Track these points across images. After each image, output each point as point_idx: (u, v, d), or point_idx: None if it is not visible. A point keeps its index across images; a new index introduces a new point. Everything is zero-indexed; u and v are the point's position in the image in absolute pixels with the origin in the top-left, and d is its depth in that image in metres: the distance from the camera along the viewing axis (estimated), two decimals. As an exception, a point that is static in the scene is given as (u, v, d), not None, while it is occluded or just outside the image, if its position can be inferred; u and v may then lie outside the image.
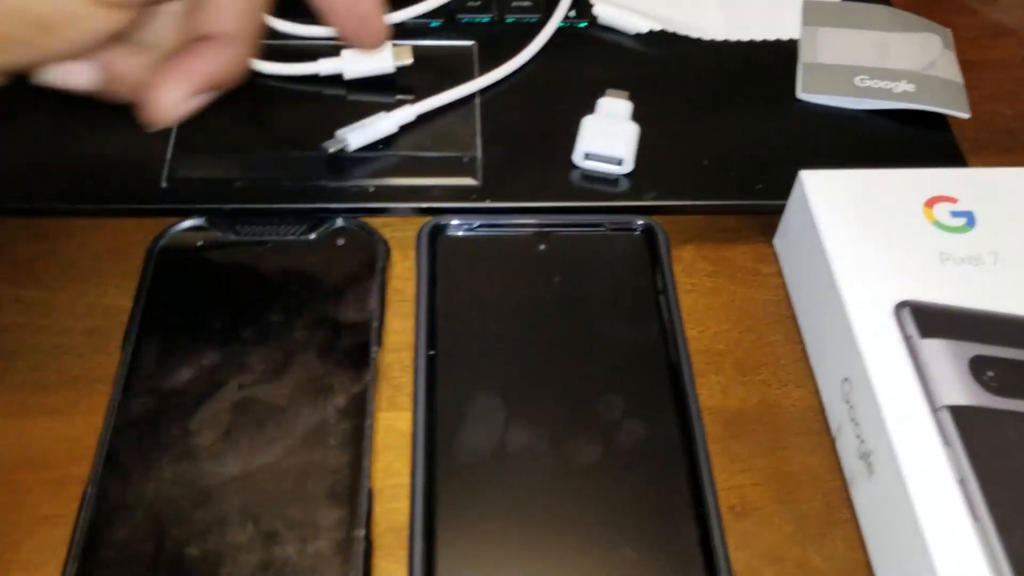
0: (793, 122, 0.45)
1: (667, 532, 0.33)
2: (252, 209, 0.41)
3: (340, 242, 0.40)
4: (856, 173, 0.39)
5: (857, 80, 0.46)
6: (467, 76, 0.46)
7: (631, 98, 0.44)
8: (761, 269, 0.42)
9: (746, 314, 0.41)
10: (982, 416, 0.32)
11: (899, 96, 0.45)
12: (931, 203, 0.38)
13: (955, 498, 0.30)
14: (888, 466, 0.31)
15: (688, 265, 0.42)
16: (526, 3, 0.50)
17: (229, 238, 0.40)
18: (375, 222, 0.41)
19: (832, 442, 0.37)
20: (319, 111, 0.44)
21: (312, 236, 0.40)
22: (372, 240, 0.40)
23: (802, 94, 0.46)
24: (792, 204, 0.40)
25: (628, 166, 0.42)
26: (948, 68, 0.47)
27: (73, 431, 0.36)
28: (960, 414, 0.32)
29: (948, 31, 0.49)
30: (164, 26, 0.33)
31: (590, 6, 0.49)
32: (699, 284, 0.41)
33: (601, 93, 0.44)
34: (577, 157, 0.42)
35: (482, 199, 0.41)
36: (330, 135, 0.42)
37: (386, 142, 0.43)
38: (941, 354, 0.33)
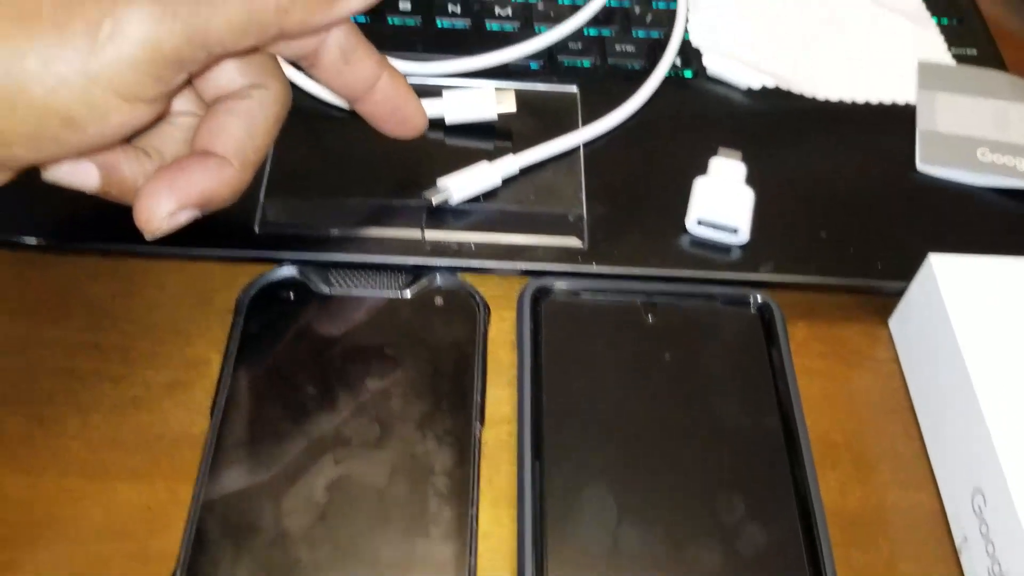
0: (913, 194, 0.42)
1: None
2: (347, 261, 0.38)
3: (438, 301, 0.38)
4: (989, 261, 0.37)
5: (979, 154, 0.43)
6: (570, 123, 0.44)
7: (744, 159, 0.42)
8: (876, 352, 0.40)
9: (861, 402, 0.38)
10: None
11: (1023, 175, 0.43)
12: (1070, 298, 0.36)
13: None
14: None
15: (800, 344, 0.40)
16: (629, 48, 0.47)
17: (322, 290, 0.38)
18: (473, 279, 0.39)
19: (956, 552, 0.34)
20: (417, 154, 0.42)
21: (409, 293, 0.38)
22: (473, 302, 0.38)
23: (921, 165, 0.43)
24: (917, 288, 0.38)
25: (744, 236, 0.39)
26: (1074, 144, 0.44)
27: (154, 498, 0.34)
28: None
29: (1071, 103, 0.47)
30: (172, 136, 0.33)
31: (698, 55, 0.47)
32: (812, 366, 0.39)
33: (711, 150, 0.42)
34: (689, 223, 0.40)
35: (587, 262, 0.39)
36: (428, 180, 0.40)
37: (488, 194, 0.40)
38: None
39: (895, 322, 0.40)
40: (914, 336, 0.38)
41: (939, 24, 0.51)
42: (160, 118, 0.32)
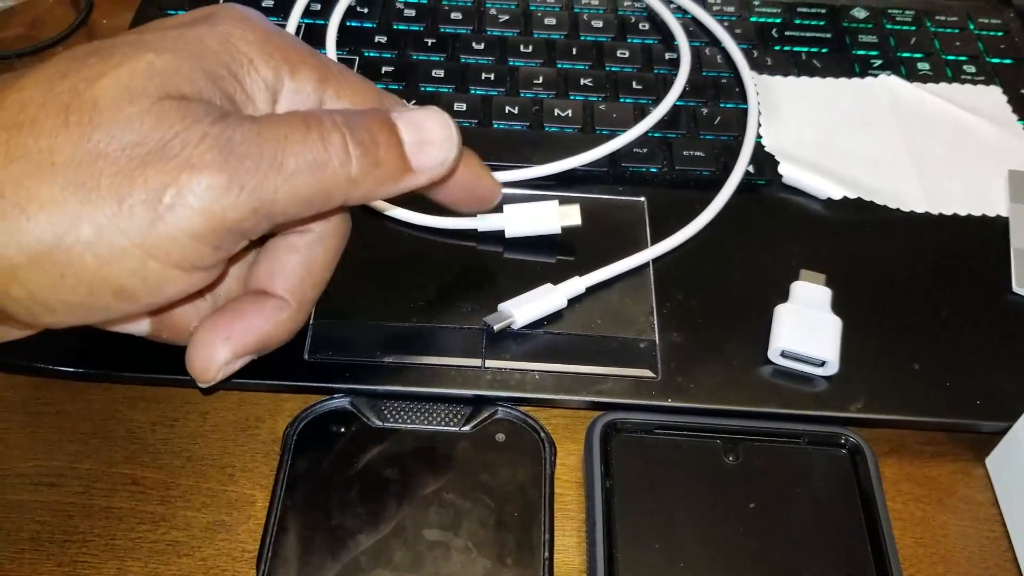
0: (1010, 320, 0.39)
1: None
2: (402, 392, 0.36)
3: (500, 437, 0.35)
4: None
5: (1083, 275, 0.40)
6: (638, 236, 0.41)
7: (826, 282, 0.39)
8: (973, 495, 0.37)
9: (961, 554, 0.35)
10: None
11: None
12: None
13: None
14: None
15: (891, 485, 0.37)
16: (698, 153, 0.45)
17: (374, 424, 0.35)
18: (536, 409, 0.36)
19: None
20: (476, 270, 0.39)
21: (468, 428, 0.35)
22: (538, 438, 0.35)
23: (1018, 288, 0.40)
24: (1022, 431, 0.35)
25: (832, 369, 0.36)
26: None
27: (195, 662, 0.31)
28: None
29: None
30: (227, 273, 0.32)
31: (772, 161, 0.44)
32: (904, 511, 0.36)
33: (791, 268, 0.39)
34: (772, 354, 0.37)
35: (662, 395, 0.36)
36: (488, 298, 0.38)
37: (552, 317, 0.38)
38: None
39: (993, 462, 0.37)
40: (1017, 480, 0.35)
41: (1026, 126, 0.48)
42: (218, 280, 0.30)
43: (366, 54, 0.49)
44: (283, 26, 0.49)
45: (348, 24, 0.51)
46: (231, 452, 0.36)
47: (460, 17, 0.52)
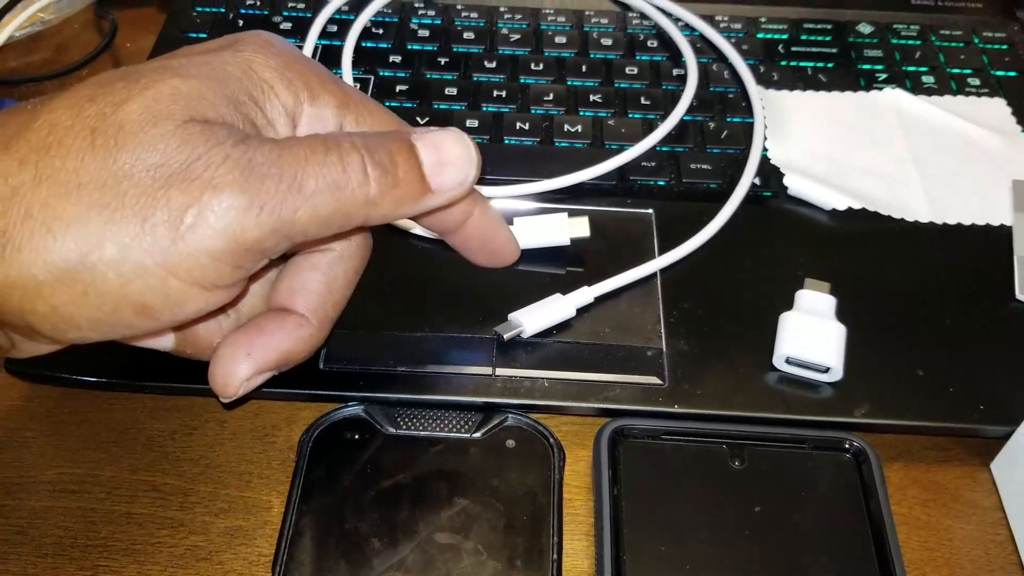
0: (1013, 328, 0.40)
1: None
2: (415, 400, 0.37)
3: (510, 443, 0.36)
4: (1107, 408, 0.34)
5: (1085, 282, 0.41)
6: (646, 247, 0.42)
7: (831, 290, 0.39)
8: (979, 500, 0.37)
9: (967, 558, 0.35)
10: None
11: None
12: None
13: None
14: None
15: (897, 490, 0.37)
16: (705, 166, 0.46)
17: (388, 431, 0.36)
18: (546, 416, 0.37)
19: None
20: (487, 281, 0.40)
21: (479, 435, 0.36)
22: (547, 444, 0.36)
23: (1022, 295, 0.41)
24: (1025, 436, 0.35)
25: (836, 375, 0.37)
26: None
27: (212, 662, 0.31)
28: None
29: None
30: (249, 291, 0.33)
31: (778, 173, 0.45)
32: (910, 515, 0.37)
33: (796, 277, 0.40)
34: (777, 360, 0.38)
35: (668, 402, 0.37)
36: (498, 309, 0.38)
37: (561, 326, 0.39)
38: None
39: (998, 467, 0.37)
40: (1021, 484, 0.35)
41: (1031, 136, 0.48)
42: (239, 297, 0.31)
43: (381, 73, 0.51)
44: (301, 47, 0.51)
45: (363, 45, 0.52)
46: (248, 459, 0.37)
47: (472, 37, 0.53)
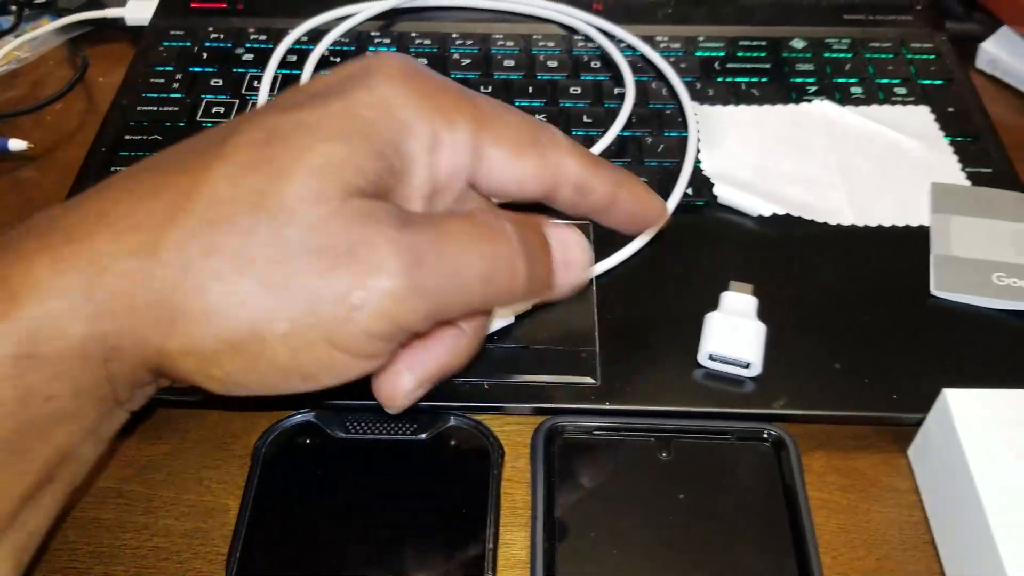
0: (928, 321, 0.42)
1: None
2: (363, 406, 0.39)
3: (452, 443, 0.39)
4: (1004, 394, 0.37)
5: (995, 278, 0.43)
6: (582, 258, 0.44)
7: (756, 291, 0.42)
8: (896, 484, 0.40)
9: (882, 539, 0.38)
10: None
11: (1041, 297, 0.42)
12: (1090, 432, 0.36)
13: None
14: None
15: (817, 477, 0.39)
16: (643, 180, 0.48)
17: (338, 435, 0.39)
18: (491, 418, 0.40)
19: None
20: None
21: (424, 436, 0.39)
22: (487, 443, 0.38)
23: (936, 290, 0.43)
24: (934, 422, 0.38)
25: (756, 369, 0.40)
26: (1091, 265, 0.44)
27: (173, 651, 0.34)
28: None
29: (1087, 220, 0.46)
30: None
31: (711, 185, 0.47)
32: (830, 500, 0.39)
33: (724, 281, 0.43)
34: (702, 357, 0.40)
35: (601, 400, 0.39)
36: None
37: (501, 332, 0.41)
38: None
39: (914, 452, 0.40)
40: (933, 469, 0.38)
41: (953, 143, 0.51)
42: None
43: (337, 100, 0.53)
44: (260, 77, 0.54)
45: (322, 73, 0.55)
46: (209, 466, 0.39)
47: (426, 62, 0.56)
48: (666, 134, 0.51)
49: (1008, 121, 0.56)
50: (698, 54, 0.57)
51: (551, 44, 0.57)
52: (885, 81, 0.55)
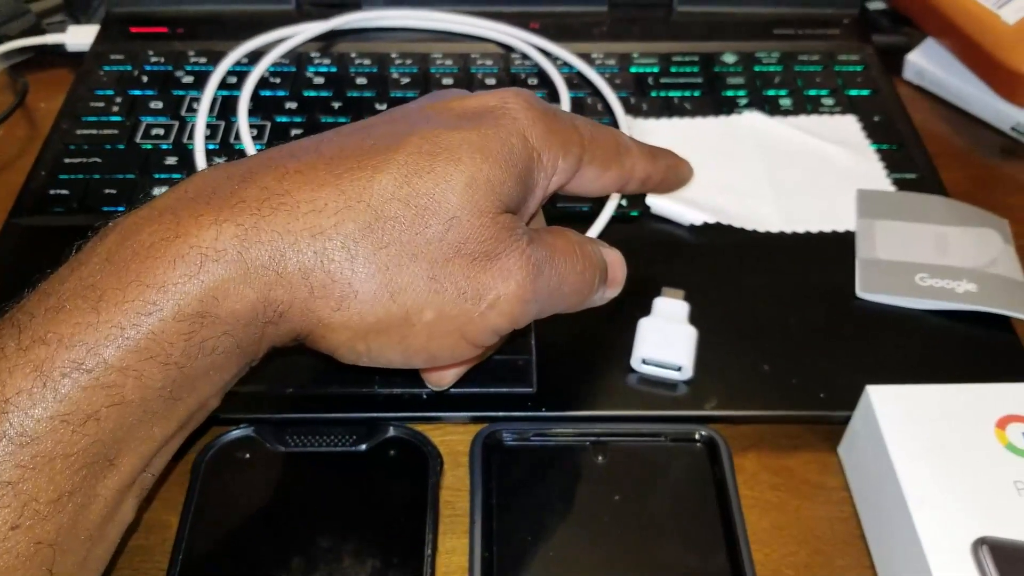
0: (854, 322, 0.44)
1: None
2: (303, 419, 0.39)
3: (392, 453, 0.39)
4: (924, 390, 0.38)
5: (918, 279, 0.45)
6: (519, 270, 0.45)
7: (687, 297, 0.43)
8: (826, 481, 0.41)
9: (813, 534, 0.39)
10: None
11: (962, 297, 0.44)
12: (1003, 423, 0.37)
13: None
14: None
15: (750, 476, 0.40)
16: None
17: (278, 449, 0.39)
18: (431, 427, 0.40)
19: None
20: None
21: (363, 447, 0.39)
22: (425, 452, 0.39)
23: (861, 292, 0.45)
24: (859, 419, 0.39)
25: (687, 372, 0.41)
26: (1009, 265, 0.46)
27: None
28: None
29: (1006, 222, 0.48)
30: None
31: (643, 196, 0.49)
32: (762, 498, 0.40)
33: (657, 288, 0.44)
34: (635, 362, 0.41)
35: (537, 407, 0.40)
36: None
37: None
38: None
39: (843, 450, 0.41)
40: (860, 465, 0.39)
41: (879, 150, 0.53)
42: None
43: (278, 119, 0.54)
44: (199, 99, 0.54)
45: (262, 94, 0.56)
46: (150, 483, 0.39)
47: (365, 82, 0.57)
48: (601, 147, 0.52)
49: (934, 128, 0.58)
50: (633, 70, 0.58)
51: (489, 62, 0.58)
52: (813, 92, 0.57)
